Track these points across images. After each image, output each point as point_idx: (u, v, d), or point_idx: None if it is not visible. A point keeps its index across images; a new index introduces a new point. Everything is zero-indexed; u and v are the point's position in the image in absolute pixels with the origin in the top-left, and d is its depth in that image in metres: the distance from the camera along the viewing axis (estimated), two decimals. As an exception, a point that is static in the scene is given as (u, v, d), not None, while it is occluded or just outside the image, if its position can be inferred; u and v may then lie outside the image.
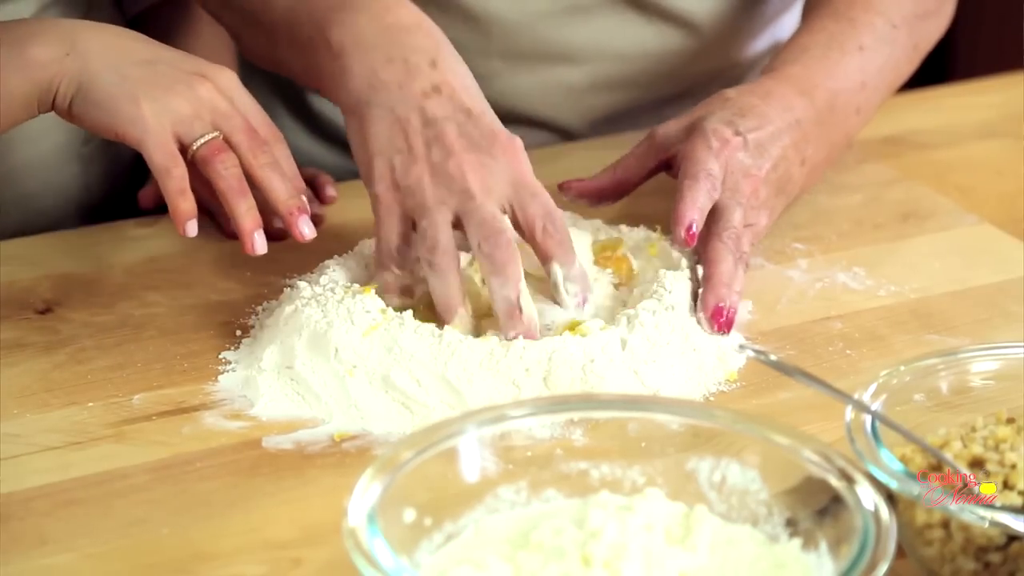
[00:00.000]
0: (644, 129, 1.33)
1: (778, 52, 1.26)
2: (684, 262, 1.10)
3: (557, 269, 1.04)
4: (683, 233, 1.08)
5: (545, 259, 1.04)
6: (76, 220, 1.35)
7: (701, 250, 1.10)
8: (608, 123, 1.44)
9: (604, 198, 1.19)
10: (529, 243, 1.04)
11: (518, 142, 1.05)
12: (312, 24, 1.08)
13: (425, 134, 1.03)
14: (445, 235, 1.02)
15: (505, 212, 1.03)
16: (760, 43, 1.45)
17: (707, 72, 1.43)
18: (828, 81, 1.21)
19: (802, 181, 1.20)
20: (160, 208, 1.29)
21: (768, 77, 1.21)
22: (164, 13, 1.43)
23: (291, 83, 1.46)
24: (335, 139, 1.46)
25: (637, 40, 1.38)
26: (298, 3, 1.10)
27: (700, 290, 1.08)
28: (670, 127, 1.18)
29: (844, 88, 1.22)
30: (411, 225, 1.04)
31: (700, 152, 1.12)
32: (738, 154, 1.13)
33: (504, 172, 1.03)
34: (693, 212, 1.09)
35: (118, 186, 1.42)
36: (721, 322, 1.06)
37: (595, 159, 1.23)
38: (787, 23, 1.46)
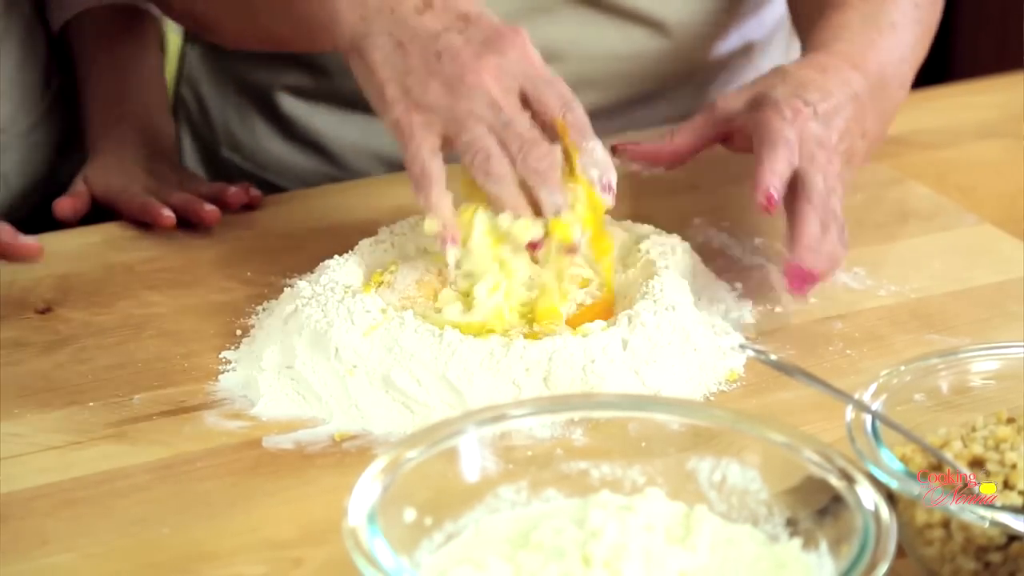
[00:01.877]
0: (614, 130, 1.33)
1: (814, 32, 1.23)
2: (672, 262, 1.10)
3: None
4: (762, 199, 1.06)
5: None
6: None
7: (788, 216, 1.09)
8: None
9: (658, 163, 1.17)
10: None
11: (523, 32, 1.04)
12: None
13: (430, 49, 1.02)
14: (491, 142, 1.01)
15: (525, 104, 1.03)
16: (729, 43, 1.44)
17: (677, 73, 1.42)
18: (875, 55, 1.20)
19: (864, 153, 1.18)
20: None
21: (818, 53, 1.19)
22: (99, 18, 1.39)
23: (263, 87, 1.45)
24: (306, 142, 1.45)
25: (602, 41, 1.38)
26: None
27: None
28: (731, 99, 1.17)
29: (889, 61, 1.20)
30: (440, 141, 1.02)
31: (775, 122, 1.11)
32: (810, 124, 1.11)
33: (517, 66, 1.03)
34: (773, 178, 1.07)
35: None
36: (797, 284, 1.06)
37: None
38: (755, 24, 1.45)
